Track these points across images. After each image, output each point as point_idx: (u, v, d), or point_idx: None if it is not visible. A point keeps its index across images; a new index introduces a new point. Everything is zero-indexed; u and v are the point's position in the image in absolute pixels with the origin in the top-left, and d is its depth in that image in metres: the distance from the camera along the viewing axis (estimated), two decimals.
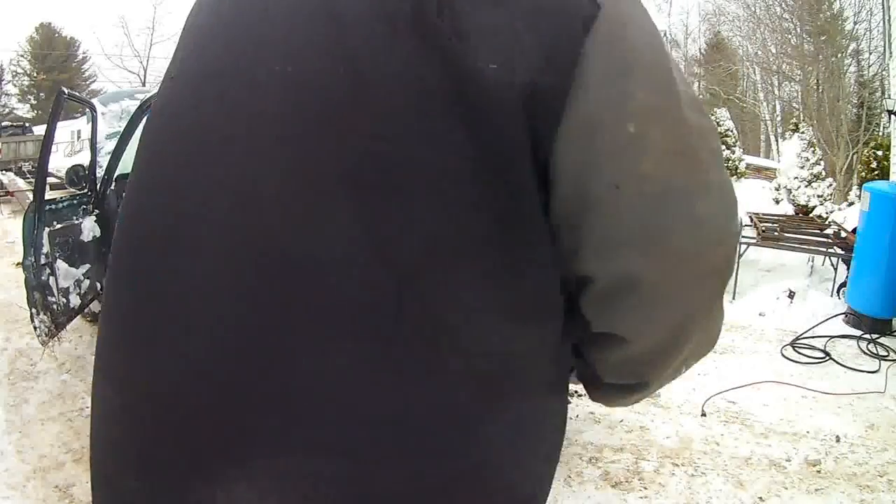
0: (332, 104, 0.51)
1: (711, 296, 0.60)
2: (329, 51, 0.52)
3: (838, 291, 5.01)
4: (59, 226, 3.38)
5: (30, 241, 3.25)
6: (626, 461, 2.78)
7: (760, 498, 2.55)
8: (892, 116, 6.79)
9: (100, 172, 3.81)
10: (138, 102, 3.65)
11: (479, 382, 0.53)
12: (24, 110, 32.53)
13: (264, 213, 0.51)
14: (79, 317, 3.68)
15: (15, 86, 33.30)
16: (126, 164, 3.53)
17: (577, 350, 0.65)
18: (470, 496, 0.54)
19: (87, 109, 4.57)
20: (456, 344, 0.52)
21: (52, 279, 3.28)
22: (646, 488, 2.60)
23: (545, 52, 0.51)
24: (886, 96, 8.15)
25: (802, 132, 8.08)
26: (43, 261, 3.24)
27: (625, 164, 0.53)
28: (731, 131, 9.87)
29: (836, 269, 5.22)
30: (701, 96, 24.06)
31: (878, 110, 13.26)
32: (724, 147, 8.94)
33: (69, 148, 19.79)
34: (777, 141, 18.23)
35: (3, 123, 18.71)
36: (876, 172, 7.03)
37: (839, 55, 16.33)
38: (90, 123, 4.21)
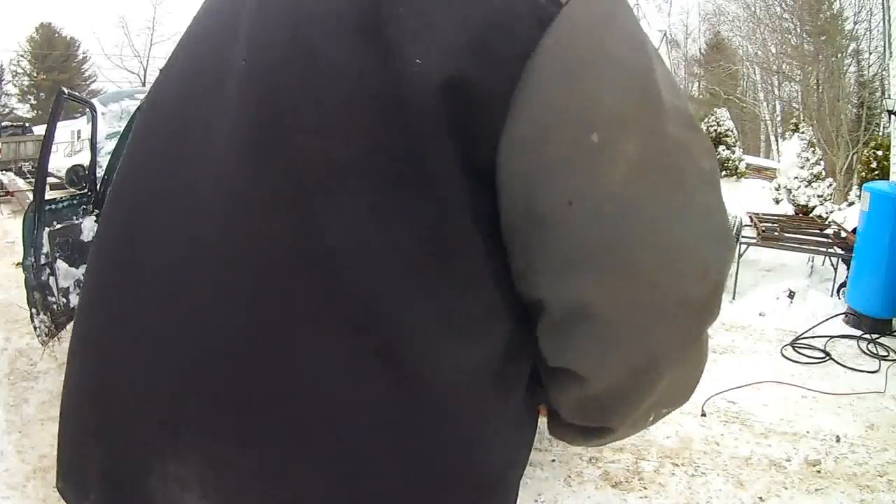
0: (279, 98, 0.51)
1: (684, 336, 0.53)
2: (289, 44, 0.52)
3: (838, 291, 5.01)
4: (59, 226, 3.38)
5: (30, 241, 3.25)
6: (626, 461, 2.78)
7: (760, 498, 2.55)
8: (892, 116, 6.79)
9: (100, 172, 3.81)
10: (138, 102, 3.65)
11: (412, 393, 0.51)
12: (24, 110, 32.53)
13: (208, 213, 0.52)
14: None
15: (15, 86, 33.32)
16: None
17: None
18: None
19: (87, 109, 4.57)
20: (390, 351, 0.50)
21: (52, 279, 3.29)
22: (646, 488, 2.60)
23: (475, 46, 0.47)
24: (886, 96, 8.15)
25: (802, 132, 8.09)
26: (43, 261, 3.25)
27: (582, 177, 0.47)
28: (731, 131, 9.86)
29: (836, 269, 5.22)
30: (701, 96, 24.09)
31: (878, 110, 13.27)
32: (724, 147, 8.96)
33: (69, 148, 19.79)
34: (777, 141, 18.24)
35: (3, 123, 18.72)
36: (876, 172, 7.03)
37: (839, 55, 16.33)
38: (90, 123, 4.21)
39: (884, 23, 8.70)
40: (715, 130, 9.61)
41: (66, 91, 3.45)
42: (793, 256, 5.66)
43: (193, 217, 0.53)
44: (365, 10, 0.50)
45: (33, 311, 3.27)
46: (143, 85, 27.28)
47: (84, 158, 8.91)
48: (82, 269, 3.48)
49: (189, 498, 0.52)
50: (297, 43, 0.52)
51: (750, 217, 6.14)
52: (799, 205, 7.50)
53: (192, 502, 0.52)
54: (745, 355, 4.10)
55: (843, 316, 4.56)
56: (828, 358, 3.99)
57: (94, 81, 33.67)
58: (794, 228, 5.86)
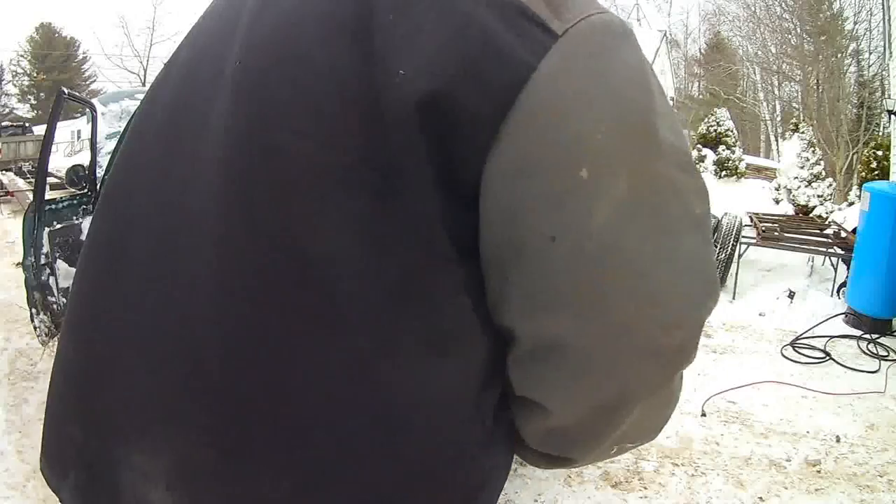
0: (268, 99, 0.51)
1: (655, 379, 0.51)
2: (281, 46, 0.52)
3: (838, 291, 5.01)
4: (59, 226, 3.39)
5: (30, 241, 3.25)
6: (626, 461, 2.78)
7: (760, 498, 2.55)
8: (892, 116, 6.79)
9: (100, 172, 3.81)
10: (138, 102, 3.64)
11: (383, 404, 0.50)
12: (24, 110, 32.54)
13: (198, 213, 0.53)
14: None
15: (15, 86, 33.33)
16: None
17: None
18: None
19: (87, 109, 4.58)
20: (362, 362, 0.49)
21: (52, 279, 3.29)
22: (646, 488, 2.60)
23: (464, 68, 0.46)
24: (886, 96, 8.16)
25: (802, 132, 8.08)
26: (43, 261, 3.25)
27: (567, 214, 0.46)
28: (731, 131, 9.86)
29: (836, 269, 5.22)
30: (701, 96, 24.12)
31: (878, 110, 13.27)
32: (724, 147, 8.96)
33: (69, 148, 19.80)
34: (777, 141, 18.24)
35: (3, 123, 18.71)
36: (876, 172, 7.03)
37: (839, 55, 16.34)
38: (90, 123, 4.21)
39: (884, 23, 8.70)
40: (715, 130, 9.60)
41: (66, 91, 3.45)
42: (793, 256, 5.66)
43: (184, 218, 0.53)
44: (359, 15, 0.49)
45: (33, 311, 3.27)
46: (143, 85, 27.29)
47: (84, 158, 8.92)
48: None
49: (154, 493, 0.53)
50: (289, 45, 0.51)
51: (750, 217, 6.14)
52: (799, 205, 7.50)
53: (157, 495, 0.53)
54: (745, 355, 4.10)
55: (843, 316, 4.56)
56: (828, 358, 3.99)
57: (94, 81, 33.72)
58: (794, 228, 5.86)
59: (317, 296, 0.49)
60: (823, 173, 7.85)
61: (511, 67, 0.46)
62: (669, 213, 0.48)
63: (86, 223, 3.60)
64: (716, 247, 5.53)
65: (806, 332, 4.32)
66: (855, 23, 16.63)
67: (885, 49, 8.79)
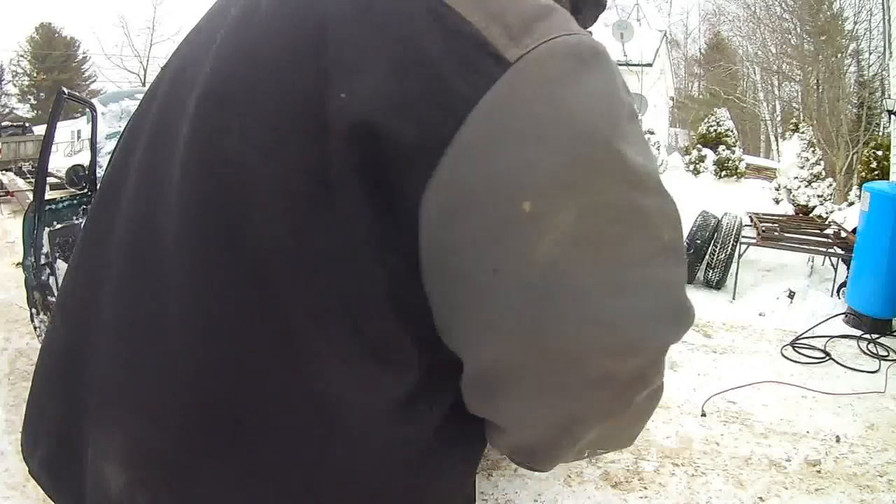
0: (226, 105, 0.52)
1: (611, 406, 0.51)
2: (244, 56, 0.53)
3: (838, 291, 5.01)
4: (59, 226, 3.39)
5: (30, 241, 3.25)
6: (626, 461, 2.78)
7: (760, 498, 2.55)
8: (892, 116, 6.79)
9: (100, 172, 3.80)
10: (138, 102, 3.64)
11: (318, 408, 0.51)
12: (24, 110, 32.55)
13: (164, 213, 0.55)
14: None
15: (15, 86, 33.35)
16: None
17: None
18: None
19: (87, 109, 4.58)
20: (305, 377, 0.50)
21: (52, 279, 3.29)
22: (646, 488, 2.60)
23: (404, 99, 0.45)
24: (886, 96, 8.15)
25: (802, 132, 8.08)
26: (43, 261, 3.25)
27: (508, 246, 0.45)
28: (731, 131, 9.86)
29: (836, 269, 5.22)
30: (701, 96, 24.12)
31: (878, 110, 13.27)
32: (724, 147, 8.96)
33: (69, 148, 19.80)
34: (777, 141, 18.24)
35: (3, 123, 18.72)
36: (876, 172, 7.03)
37: (839, 55, 16.35)
38: (90, 123, 4.21)
39: (884, 23, 8.70)
40: (715, 130, 9.60)
41: (66, 91, 3.45)
42: (793, 256, 5.66)
43: (157, 220, 0.55)
44: (312, 34, 0.50)
45: (33, 311, 3.27)
46: (143, 85, 27.29)
47: (84, 158, 8.92)
48: None
49: (109, 469, 0.56)
50: (248, 61, 0.53)
51: (750, 217, 6.14)
52: (799, 205, 7.50)
53: (112, 473, 0.56)
54: (745, 355, 4.10)
55: (843, 316, 4.56)
56: (828, 358, 3.99)
57: (94, 81, 33.73)
58: (794, 228, 5.87)
59: (265, 310, 0.50)
60: (823, 173, 7.85)
61: (450, 104, 0.45)
62: (627, 242, 0.47)
63: None
64: (716, 247, 5.53)
65: (806, 332, 4.32)
66: (855, 23, 16.63)
67: (885, 49, 8.78)
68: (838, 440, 2.99)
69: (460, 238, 0.46)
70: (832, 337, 4.28)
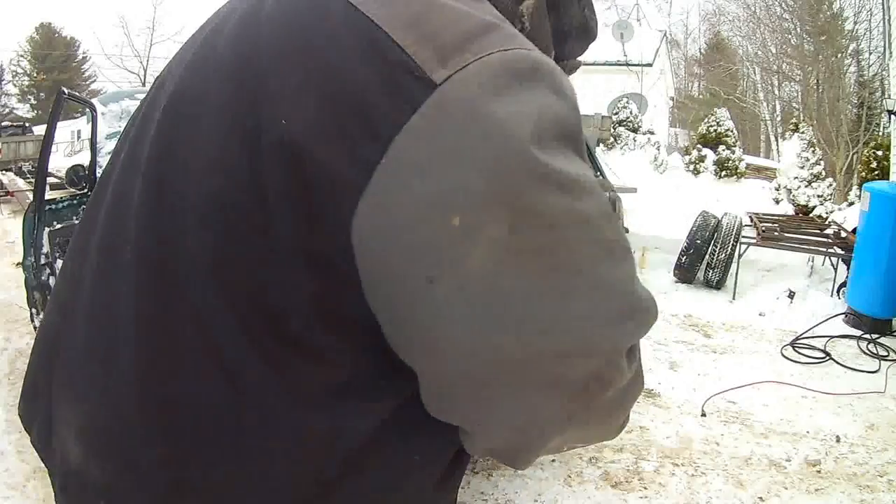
0: (181, 121, 0.58)
1: (570, 407, 0.51)
2: (202, 77, 0.58)
3: (838, 291, 5.01)
4: (59, 226, 3.39)
5: (30, 241, 3.25)
6: (626, 461, 2.78)
7: (760, 498, 2.55)
8: (892, 116, 6.79)
9: (100, 172, 3.80)
10: (138, 102, 3.64)
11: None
12: (24, 110, 32.55)
13: (125, 219, 0.60)
14: None
15: (15, 86, 33.34)
16: None
17: None
18: None
19: (87, 109, 4.58)
20: (232, 370, 0.54)
21: (52, 279, 3.29)
22: (646, 488, 2.60)
23: (335, 126, 0.47)
24: (886, 96, 8.15)
25: (802, 132, 8.08)
26: (43, 261, 3.25)
27: (442, 259, 0.46)
28: (731, 131, 9.85)
29: (836, 269, 5.22)
30: (701, 96, 24.10)
31: (878, 110, 13.27)
32: (724, 147, 8.95)
33: (69, 148, 19.81)
34: (777, 141, 18.24)
35: (3, 123, 18.73)
36: (876, 172, 7.03)
37: (839, 55, 16.34)
38: (90, 123, 4.22)
39: (884, 23, 8.69)
40: (715, 130, 9.60)
41: (66, 91, 3.45)
42: (793, 256, 5.66)
43: (124, 222, 0.60)
44: (252, 60, 0.53)
45: (33, 311, 3.27)
46: (143, 85, 27.29)
47: (84, 158, 8.92)
48: None
49: (69, 440, 0.61)
50: (205, 76, 0.58)
51: (750, 217, 6.14)
52: (799, 205, 7.50)
53: (72, 443, 0.61)
54: (745, 355, 4.10)
55: (843, 316, 4.56)
56: (828, 358, 3.99)
57: (94, 81, 33.73)
58: (794, 228, 5.86)
59: (182, 292, 0.54)
60: (823, 173, 7.85)
61: (376, 130, 0.46)
62: (570, 246, 0.47)
63: None
64: (716, 247, 5.53)
65: (806, 332, 4.32)
66: (855, 23, 16.62)
67: (885, 49, 8.78)
68: (838, 440, 2.99)
69: (393, 253, 0.47)
70: (832, 337, 4.28)
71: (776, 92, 19.72)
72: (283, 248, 0.50)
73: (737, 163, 8.67)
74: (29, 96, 33.41)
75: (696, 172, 8.90)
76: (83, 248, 0.66)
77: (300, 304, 0.51)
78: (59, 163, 11.27)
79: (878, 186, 4.75)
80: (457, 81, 0.46)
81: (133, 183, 0.60)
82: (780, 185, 7.84)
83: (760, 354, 4.11)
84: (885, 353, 4.04)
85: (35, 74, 32.70)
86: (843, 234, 5.29)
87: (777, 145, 17.86)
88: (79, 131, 19.67)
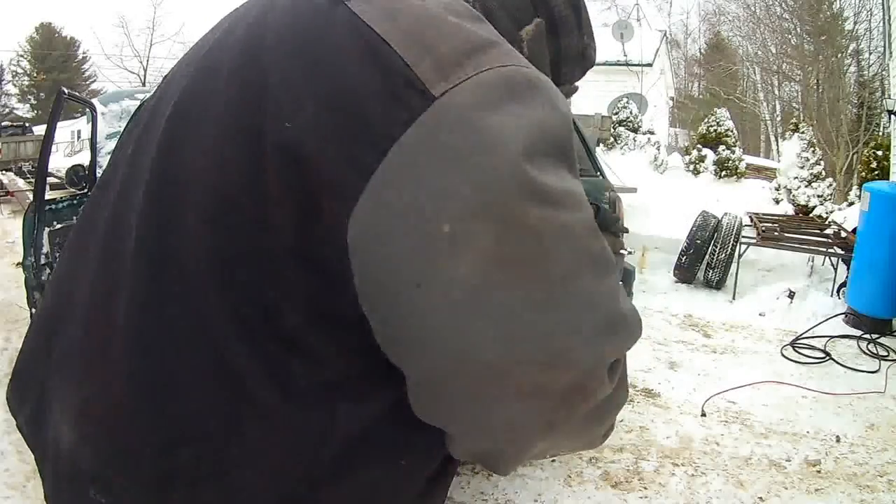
0: (188, 119, 0.59)
1: (549, 417, 0.52)
2: (209, 78, 0.60)
3: (838, 291, 5.02)
4: (59, 226, 3.38)
5: (30, 241, 3.25)
6: (626, 461, 2.78)
7: (760, 498, 2.55)
8: (892, 116, 6.79)
9: (100, 172, 3.80)
10: (138, 102, 3.65)
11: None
12: (24, 110, 32.55)
13: (128, 211, 0.61)
14: None
15: (15, 86, 33.35)
16: None
17: None
18: None
19: (87, 109, 4.58)
20: (233, 369, 0.54)
21: None
22: (646, 488, 2.60)
23: (335, 133, 0.49)
24: (886, 96, 8.15)
25: (802, 132, 8.07)
26: (43, 261, 3.24)
27: (431, 263, 0.47)
28: (731, 131, 9.84)
29: (836, 269, 5.22)
30: (701, 96, 24.10)
31: (878, 110, 13.26)
32: (724, 147, 8.95)
33: (69, 148, 19.82)
34: (777, 141, 18.24)
35: (3, 123, 18.72)
36: (876, 172, 7.02)
37: (839, 55, 16.34)
38: (90, 123, 4.21)
39: (884, 23, 8.69)
40: (715, 130, 9.59)
41: (66, 91, 3.44)
42: (793, 256, 5.66)
43: (126, 218, 0.61)
44: (252, 62, 0.55)
45: (33, 310, 3.26)
46: (143, 85, 27.31)
47: (84, 158, 8.93)
48: None
49: (64, 427, 0.62)
50: (213, 77, 0.59)
51: (750, 217, 6.14)
52: (799, 205, 7.49)
53: (65, 431, 0.62)
54: (745, 355, 4.10)
55: (843, 316, 4.56)
56: (828, 358, 3.99)
57: (94, 81, 33.71)
58: (794, 228, 5.86)
59: (181, 287, 0.55)
60: (823, 173, 7.84)
61: (373, 138, 0.48)
62: (555, 258, 0.49)
63: None
64: (716, 247, 5.53)
65: (806, 332, 4.33)
66: (855, 23, 16.61)
67: (885, 49, 8.78)
68: (838, 440, 2.99)
69: (385, 256, 0.49)
70: (832, 337, 4.28)
71: (776, 92, 19.72)
72: (281, 247, 0.52)
73: (737, 163, 8.66)
74: (29, 96, 33.42)
75: (696, 172, 8.89)
76: (84, 240, 0.67)
77: (295, 303, 0.52)
78: (59, 163, 11.29)
79: (878, 186, 4.76)
80: (454, 95, 0.48)
81: (137, 179, 0.61)
82: (780, 185, 7.83)
83: (760, 354, 4.11)
84: (885, 353, 4.04)
85: (35, 74, 32.71)
86: (843, 234, 5.29)
87: (777, 145, 17.86)
88: (79, 131, 19.67)
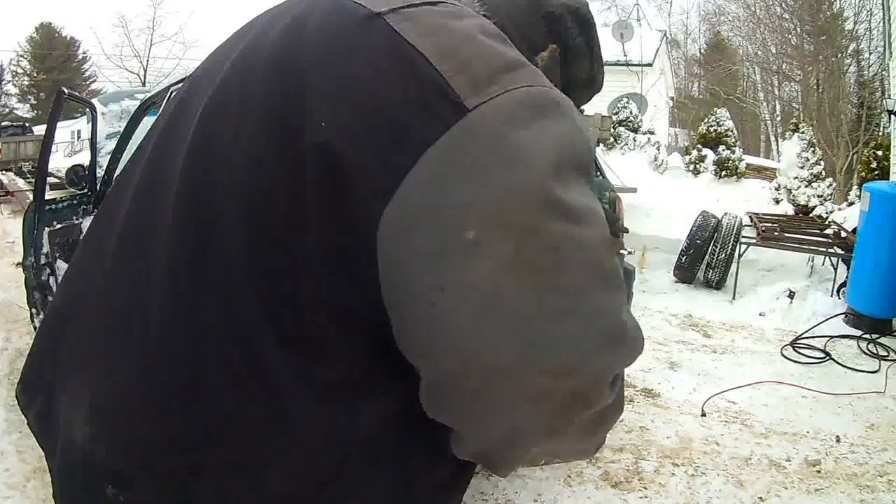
0: (221, 117, 0.61)
1: (551, 420, 0.54)
2: (246, 78, 0.61)
3: (838, 291, 5.01)
4: (59, 226, 3.38)
5: (30, 241, 3.25)
6: (626, 461, 2.78)
7: (760, 498, 2.55)
8: (892, 116, 6.79)
9: (100, 172, 3.79)
10: (138, 102, 3.65)
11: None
12: (24, 110, 32.55)
13: (156, 205, 0.63)
14: None
15: (15, 86, 33.35)
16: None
17: None
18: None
19: (87, 109, 4.57)
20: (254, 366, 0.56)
21: (52, 279, 3.28)
22: (646, 488, 2.60)
23: (370, 136, 0.52)
24: (886, 96, 8.15)
25: (802, 132, 8.06)
26: (43, 261, 3.25)
27: (455, 267, 0.50)
28: (731, 131, 9.83)
29: (836, 269, 5.22)
30: (701, 96, 24.09)
31: (878, 110, 13.26)
32: (724, 147, 8.93)
33: (69, 148, 19.82)
34: (777, 141, 18.23)
35: (3, 123, 18.72)
36: (876, 172, 7.01)
37: (839, 55, 16.34)
38: (90, 123, 4.21)
39: (884, 23, 8.69)
40: (715, 130, 9.58)
41: (66, 91, 3.44)
42: (793, 256, 5.66)
43: (154, 219, 0.62)
44: (292, 65, 0.57)
45: (33, 311, 3.27)
46: (143, 85, 27.28)
47: (84, 158, 8.91)
48: None
49: (77, 422, 0.63)
50: (250, 77, 0.60)
51: (750, 217, 6.14)
52: (799, 205, 7.48)
53: (79, 425, 0.62)
54: (745, 355, 4.10)
55: (843, 316, 4.56)
56: (828, 358, 3.99)
57: (94, 81, 33.71)
58: (794, 228, 5.86)
59: (217, 280, 0.57)
60: (823, 173, 7.83)
61: (408, 143, 0.51)
62: (570, 270, 0.51)
63: (86, 223, 3.59)
64: (716, 247, 5.53)
65: (806, 332, 4.33)
66: (855, 23, 16.60)
67: (885, 49, 8.78)
68: (838, 440, 2.99)
69: (412, 257, 0.51)
70: (832, 337, 4.28)
71: (776, 92, 19.72)
72: (314, 245, 0.54)
73: (737, 163, 8.65)
74: (29, 96, 33.42)
75: (696, 172, 8.88)
76: (99, 240, 0.69)
77: (322, 301, 0.54)
78: (59, 163, 11.28)
79: (878, 186, 4.75)
80: (486, 108, 0.51)
81: (164, 179, 0.62)
82: (780, 185, 7.83)
83: (760, 354, 4.11)
84: (885, 353, 4.04)
85: (35, 74, 32.70)
86: (843, 234, 5.29)
87: (777, 145, 17.85)
88: (79, 131, 19.69)
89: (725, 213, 5.81)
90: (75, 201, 3.66)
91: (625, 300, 0.56)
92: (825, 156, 10.56)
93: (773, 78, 19.57)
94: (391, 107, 0.52)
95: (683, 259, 5.70)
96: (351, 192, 0.52)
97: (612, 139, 9.69)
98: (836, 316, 4.55)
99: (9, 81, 32.77)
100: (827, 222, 6.26)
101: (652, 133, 10.49)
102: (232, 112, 0.60)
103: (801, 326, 4.45)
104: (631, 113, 10.27)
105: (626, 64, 14.00)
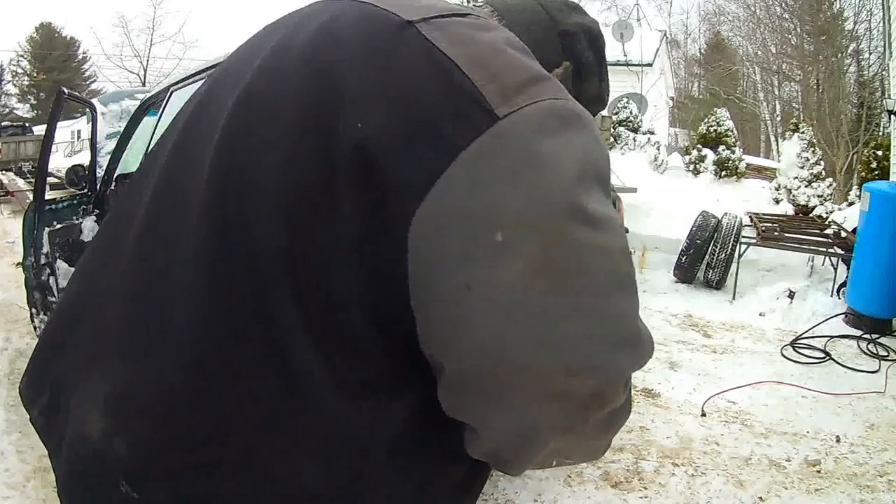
0: (253, 115, 0.61)
1: (569, 420, 0.56)
2: (279, 77, 0.62)
3: (838, 291, 5.01)
4: (59, 226, 3.38)
5: (30, 241, 3.25)
6: (626, 461, 2.78)
7: (760, 498, 2.55)
8: (892, 116, 6.79)
9: (100, 172, 3.80)
10: (138, 102, 3.65)
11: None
12: (24, 110, 32.57)
13: (179, 202, 0.64)
14: None
15: (15, 86, 33.38)
16: (126, 163, 3.53)
17: None
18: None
19: (87, 109, 4.58)
20: (276, 356, 0.57)
21: (52, 279, 3.29)
22: (646, 488, 2.60)
23: (405, 138, 0.53)
24: (886, 96, 8.15)
25: (802, 132, 8.06)
26: (43, 261, 3.25)
27: (482, 268, 0.52)
28: (731, 131, 9.83)
29: (836, 269, 5.22)
30: (701, 96, 24.10)
31: (878, 110, 13.26)
32: (724, 147, 8.93)
33: (69, 148, 19.83)
34: (777, 141, 18.23)
35: (3, 123, 18.72)
36: (876, 172, 7.01)
37: (839, 55, 16.34)
38: (90, 123, 4.21)
39: (884, 23, 8.69)
40: (715, 130, 9.58)
41: (66, 91, 3.44)
42: (793, 256, 5.66)
43: (179, 204, 0.63)
44: (327, 67, 0.58)
45: (33, 311, 3.27)
46: (143, 85, 27.28)
47: (84, 158, 8.91)
48: None
49: (91, 417, 0.63)
50: (283, 75, 0.61)
51: (750, 217, 6.14)
52: (799, 205, 7.48)
53: (94, 420, 0.62)
54: (745, 355, 4.10)
55: (843, 316, 4.56)
56: (828, 358, 3.99)
57: (94, 81, 33.73)
58: (794, 228, 5.86)
59: (249, 276, 0.57)
60: (823, 173, 7.83)
61: (442, 147, 0.53)
62: (591, 273, 0.53)
63: (86, 223, 3.59)
64: (716, 247, 5.53)
65: (806, 332, 4.33)
66: (855, 23, 16.61)
67: (885, 49, 8.78)
68: (838, 440, 2.99)
69: (442, 257, 0.53)
70: (832, 337, 4.28)
71: (776, 92, 19.72)
72: (347, 242, 0.55)
73: (737, 163, 8.64)
74: (29, 96, 33.43)
75: (696, 172, 8.88)
76: (115, 234, 0.70)
77: (354, 298, 0.56)
78: (59, 163, 11.28)
79: (878, 186, 4.75)
80: (516, 117, 0.54)
81: (189, 174, 0.63)
82: (780, 185, 7.82)
83: (760, 354, 4.11)
84: (885, 353, 4.04)
85: (35, 74, 32.72)
86: (843, 234, 5.29)
87: (777, 145, 17.84)
88: (79, 131, 19.70)
89: (725, 213, 5.81)
90: (75, 201, 3.66)
91: (639, 305, 0.57)
92: (825, 156, 10.56)
93: (773, 78, 19.58)
94: (427, 110, 0.54)
95: (683, 259, 5.70)
96: (385, 191, 0.53)
97: (612, 139, 9.69)
98: (836, 316, 4.55)
99: (9, 81, 32.80)
100: (827, 222, 6.26)
101: (652, 133, 10.49)
102: (263, 113, 0.61)
103: (801, 326, 4.45)
104: (631, 113, 10.27)
105: (626, 64, 14.00)
